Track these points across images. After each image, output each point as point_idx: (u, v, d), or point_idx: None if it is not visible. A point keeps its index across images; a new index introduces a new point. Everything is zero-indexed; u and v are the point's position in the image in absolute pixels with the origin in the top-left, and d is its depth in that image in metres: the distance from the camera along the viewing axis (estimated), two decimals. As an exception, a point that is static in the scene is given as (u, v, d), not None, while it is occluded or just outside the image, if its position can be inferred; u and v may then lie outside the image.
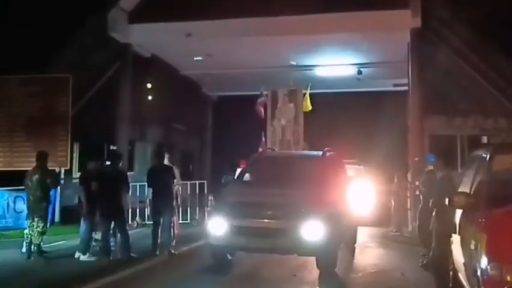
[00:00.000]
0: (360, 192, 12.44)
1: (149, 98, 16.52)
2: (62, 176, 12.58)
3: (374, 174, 14.18)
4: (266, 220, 7.28)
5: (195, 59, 15.34)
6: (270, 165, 9.07)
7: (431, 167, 8.59)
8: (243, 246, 7.50)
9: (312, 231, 7.06)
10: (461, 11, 12.98)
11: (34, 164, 9.09)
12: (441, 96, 13.15)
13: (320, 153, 8.98)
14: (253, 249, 7.52)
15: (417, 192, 9.63)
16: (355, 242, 9.83)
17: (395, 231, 12.42)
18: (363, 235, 11.22)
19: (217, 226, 7.52)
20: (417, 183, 10.11)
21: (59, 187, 11.30)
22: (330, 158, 9.02)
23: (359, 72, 16.28)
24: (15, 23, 12.75)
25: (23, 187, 9.47)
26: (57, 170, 11.74)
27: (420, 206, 9.12)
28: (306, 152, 9.62)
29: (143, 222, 12.25)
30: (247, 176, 9.00)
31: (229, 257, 8.22)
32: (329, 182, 8.07)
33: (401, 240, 11.50)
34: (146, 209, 12.07)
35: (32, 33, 13.75)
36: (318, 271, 7.62)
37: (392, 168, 13.97)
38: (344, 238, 8.51)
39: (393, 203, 12.92)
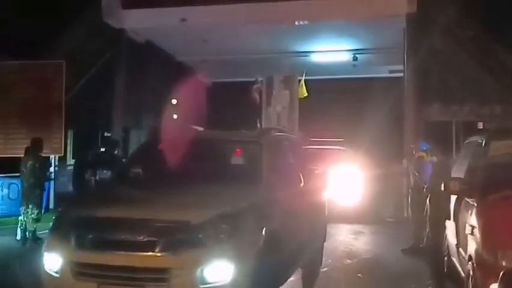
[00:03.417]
0: (345, 179, 12.04)
1: (144, 84, 16.43)
2: (57, 163, 12.54)
3: (364, 158, 14.13)
4: (137, 253, 4.36)
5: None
6: (174, 152, 5.73)
7: (422, 153, 8.62)
8: None
9: (217, 272, 4.35)
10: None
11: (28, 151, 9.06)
12: (437, 83, 13.12)
13: (256, 133, 6.48)
14: None
15: (411, 179, 9.63)
16: (320, 263, 7.33)
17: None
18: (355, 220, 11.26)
19: (50, 261, 4.65)
20: (410, 169, 10.14)
21: (52, 174, 11.27)
22: (274, 141, 6.16)
23: (355, 59, 16.22)
24: (7, 9, 12.60)
25: (16, 174, 9.45)
26: (51, 157, 11.72)
27: (411, 191, 9.17)
28: (238, 132, 6.61)
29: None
30: (135, 171, 6.06)
31: None
32: (262, 180, 5.29)
33: (396, 225, 11.54)
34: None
35: (25, 19, 13.61)
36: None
37: (386, 153, 14.00)
38: (289, 270, 5.72)
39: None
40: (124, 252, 4.40)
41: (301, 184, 6.10)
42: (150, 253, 4.36)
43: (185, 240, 4.39)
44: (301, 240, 6.11)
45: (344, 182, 11.95)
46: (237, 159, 5.87)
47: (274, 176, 5.41)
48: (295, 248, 5.72)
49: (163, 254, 4.35)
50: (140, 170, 6.02)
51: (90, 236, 4.51)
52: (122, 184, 5.75)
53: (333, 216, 10.42)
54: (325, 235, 7.65)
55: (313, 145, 14.25)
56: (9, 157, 11.61)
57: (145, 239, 4.38)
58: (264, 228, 4.76)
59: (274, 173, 5.43)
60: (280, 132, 6.94)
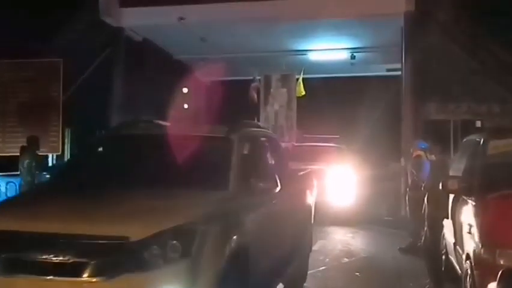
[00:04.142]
0: (340, 178, 11.72)
1: (142, 82, 16.42)
2: (55, 161, 12.52)
3: (361, 156, 14.07)
4: (60, 279, 3.47)
5: None
6: (126, 152, 5.21)
7: (419, 152, 8.62)
8: None
9: None
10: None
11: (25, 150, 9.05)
12: (435, 81, 13.12)
13: (225, 128, 5.16)
14: None
15: (409, 178, 9.64)
16: (305, 277, 6.63)
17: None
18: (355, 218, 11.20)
19: None
20: (408, 168, 10.15)
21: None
22: (247, 138, 5.27)
23: (353, 57, 16.21)
24: (4, 7, 12.56)
25: (15, 173, 9.44)
26: (50, 156, 11.70)
27: (409, 190, 9.17)
28: (203, 126, 5.73)
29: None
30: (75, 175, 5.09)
31: None
32: (230, 185, 4.50)
33: (394, 224, 11.55)
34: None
35: (23, 17, 13.57)
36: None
37: (383, 152, 14.01)
38: None
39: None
40: (42, 278, 3.42)
41: (278, 188, 5.12)
42: (77, 279, 3.40)
43: (123, 261, 3.45)
44: (280, 255, 5.41)
45: (339, 180, 11.74)
46: (199, 159, 4.69)
47: (246, 179, 4.58)
48: (271, 264, 5.03)
49: (94, 280, 3.40)
50: (82, 174, 5.03)
51: (1, 256, 3.52)
52: (54, 190, 4.69)
53: (328, 217, 10.44)
54: (311, 245, 6.95)
55: (307, 142, 14.18)
56: (7, 156, 11.59)
57: (71, 261, 3.44)
58: (229, 244, 3.92)
59: (245, 176, 4.60)
60: (255, 127, 6.06)
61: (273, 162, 6.03)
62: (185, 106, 17.66)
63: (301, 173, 6.97)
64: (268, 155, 5.89)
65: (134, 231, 3.54)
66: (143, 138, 5.27)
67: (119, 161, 5.16)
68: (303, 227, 6.44)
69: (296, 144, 14.62)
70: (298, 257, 6.17)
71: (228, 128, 5.13)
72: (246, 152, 5.12)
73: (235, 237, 4.04)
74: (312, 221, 6.92)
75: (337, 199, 11.41)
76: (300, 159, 11.35)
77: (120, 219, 3.70)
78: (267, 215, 4.97)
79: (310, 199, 6.85)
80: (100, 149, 5.45)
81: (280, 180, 5.33)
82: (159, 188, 4.33)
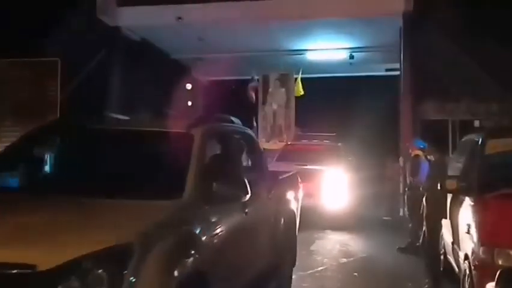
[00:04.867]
0: (336, 177, 11.07)
1: (139, 82, 16.41)
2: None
3: (359, 154, 13.88)
4: None
5: None
6: (64, 148, 4.64)
7: (417, 152, 8.59)
8: None
9: None
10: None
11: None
12: (433, 81, 13.10)
13: (186, 122, 4.41)
14: None
15: (407, 177, 9.61)
16: None
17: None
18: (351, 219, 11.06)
19: None
20: (407, 167, 10.14)
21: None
22: (213, 135, 4.56)
23: (351, 57, 16.19)
24: (0, 5, 12.52)
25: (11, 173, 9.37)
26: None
27: (408, 190, 9.16)
28: (158, 120, 5.15)
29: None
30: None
31: None
32: (185, 192, 3.68)
33: (392, 224, 11.53)
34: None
35: (19, 15, 13.53)
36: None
37: (382, 151, 13.98)
38: None
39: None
40: None
41: (248, 195, 4.03)
42: None
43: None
44: (253, 276, 4.71)
45: (335, 181, 11.16)
46: (150, 160, 4.02)
47: (208, 184, 3.76)
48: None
49: None
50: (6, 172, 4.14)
51: None
52: None
53: (324, 222, 10.21)
54: (295, 258, 6.20)
55: (301, 139, 13.76)
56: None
57: None
58: (180, 269, 3.16)
59: (207, 181, 3.78)
60: (225, 122, 4.99)
61: (248, 163, 5.43)
62: (189, 103, 17.55)
63: (285, 175, 6.23)
64: (243, 155, 5.34)
65: (43, 257, 2.67)
66: (85, 133, 4.35)
67: (55, 159, 4.33)
68: (284, 238, 5.55)
69: (289, 142, 14.17)
70: (278, 275, 5.40)
71: (188, 122, 4.33)
72: (212, 151, 4.40)
73: (188, 259, 3.27)
74: (297, 230, 6.23)
75: (332, 201, 10.86)
76: (293, 159, 11.24)
77: (25, 240, 2.78)
78: (233, 229, 4.13)
79: (294, 205, 6.07)
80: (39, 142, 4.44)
81: (256, 185, 4.46)
82: (93, 195, 3.40)
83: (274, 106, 16.27)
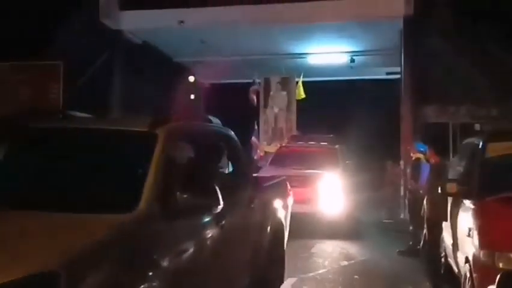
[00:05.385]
0: (331, 185, 10.23)
1: (141, 85, 16.44)
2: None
3: (358, 158, 13.54)
4: None
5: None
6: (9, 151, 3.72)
7: (418, 155, 8.61)
8: None
9: None
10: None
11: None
12: (434, 84, 13.15)
13: (149, 120, 3.66)
14: None
15: (408, 181, 9.63)
16: None
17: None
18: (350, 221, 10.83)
19: None
20: (408, 170, 10.16)
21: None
22: (182, 135, 3.92)
23: (352, 61, 16.24)
24: (3, 8, 12.57)
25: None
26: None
27: (408, 193, 9.19)
28: (116, 118, 4.39)
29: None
30: None
31: None
32: (142, 203, 3.10)
33: (393, 227, 11.54)
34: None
35: (21, 19, 13.58)
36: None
37: (383, 154, 13.98)
38: None
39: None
40: None
41: (220, 206, 3.46)
42: None
43: None
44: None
45: (332, 186, 10.37)
46: (103, 164, 3.38)
47: (170, 194, 3.19)
48: None
49: None
50: None
51: None
52: None
53: (322, 228, 9.73)
54: (282, 275, 5.58)
55: (296, 141, 12.97)
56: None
57: None
58: None
59: (170, 190, 3.21)
60: (197, 119, 4.51)
61: (228, 168, 4.89)
62: (192, 96, 17.49)
63: (272, 181, 5.70)
64: (223, 159, 4.70)
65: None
66: (27, 133, 3.66)
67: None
68: (270, 252, 4.94)
69: (283, 145, 13.40)
70: None
71: (152, 120, 3.61)
72: (183, 154, 3.78)
73: (142, 283, 2.72)
74: (286, 242, 5.64)
75: (329, 207, 10.10)
76: (287, 163, 10.78)
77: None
78: (204, 245, 3.56)
79: (282, 214, 5.46)
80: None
81: (236, 193, 4.16)
82: (25, 207, 2.87)
83: (276, 109, 16.32)
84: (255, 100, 16.32)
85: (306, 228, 9.16)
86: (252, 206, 4.68)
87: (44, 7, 13.56)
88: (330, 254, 8.48)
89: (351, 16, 13.09)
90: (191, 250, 3.35)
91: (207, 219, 3.62)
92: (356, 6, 12.79)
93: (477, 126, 12.89)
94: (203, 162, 3.96)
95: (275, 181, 5.88)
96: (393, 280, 7.17)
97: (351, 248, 9.30)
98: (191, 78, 16.66)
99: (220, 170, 4.72)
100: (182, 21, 13.32)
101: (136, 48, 15.02)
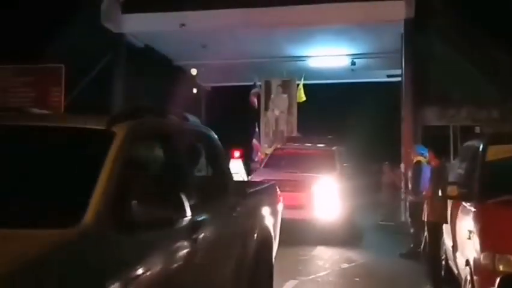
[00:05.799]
0: (329, 189, 9.77)
1: (143, 88, 16.48)
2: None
3: (358, 160, 13.39)
4: None
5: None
6: None
7: (419, 158, 8.63)
8: None
9: None
10: (455, 1, 12.98)
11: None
12: (434, 87, 13.18)
13: (107, 117, 3.11)
14: None
15: (409, 183, 9.64)
16: None
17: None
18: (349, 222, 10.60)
19: None
20: (409, 174, 10.16)
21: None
22: (146, 134, 3.37)
23: (353, 63, 16.27)
24: (4, 11, 12.62)
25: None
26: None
27: (409, 195, 9.19)
28: (65, 115, 4.08)
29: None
30: None
31: None
32: (88, 214, 2.51)
33: (393, 230, 11.55)
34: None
35: (24, 22, 13.63)
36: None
37: (383, 157, 13.98)
38: None
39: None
40: None
41: (187, 218, 2.98)
42: None
43: None
44: None
45: (329, 188, 9.85)
46: (40, 170, 2.85)
47: (126, 205, 2.63)
48: None
49: None
50: None
51: None
52: None
53: (318, 235, 9.35)
54: None
55: (292, 142, 12.54)
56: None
57: None
58: None
59: (126, 200, 2.64)
60: (169, 117, 3.78)
61: (207, 172, 4.39)
62: (185, 110, 17.58)
63: (258, 187, 5.24)
64: (201, 162, 4.25)
65: None
66: None
67: None
68: (255, 266, 4.37)
69: (278, 146, 12.78)
70: None
71: (111, 117, 3.10)
72: (144, 155, 3.34)
73: None
74: (274, 254, 5.10)
75: (326, 213, 9.58)
76: (282, 166, 10.48)
77: None
78: (170, 264, 3.03)
79: (270, 222, 4.93)
80: None
81: (215, 200, 3.77)
82: None
83: (277, 112, 16.35)
84: (256, 103, 16.35)
85: (302, 235, 9.12)
86: (234, 214, 4.13)
87: (46, 10, 13.61)
88: (330, 256, 8.49)
89: (352, 19, 13.12)
90: (152, 270, 2.78)
91: (174, 233, 3.03)
92: (357, 10, 12.81)
93: (477, 129, 12.99)
94: (173, 166, 3.49)
95: (262, 186, 5.43)
96: (393, 282, 7.18)
97: (351, 250, 9.30)
98: (193, 71, 16.66)
99: (198, 174, 4.22)
100: (183, 25, 13.36)
101: (138, 51, 15.06)
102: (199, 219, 3.31)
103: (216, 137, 4.42)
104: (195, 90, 17.96)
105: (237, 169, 14.01)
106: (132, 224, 2.63)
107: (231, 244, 4.07)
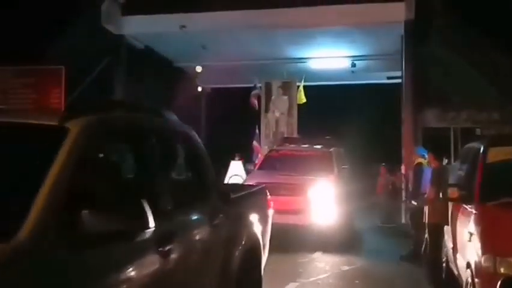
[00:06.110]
0: (323, 193, 9.30)
1: (143, 89, 16.49)
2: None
3: (358, 162, 13.31)
4: None
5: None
6: None
7: (419, 160, 8.63)
8: None
9: None
10: (455, 3, 12.99)
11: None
12: (435, 89, 13.18)
13: (62, 113, 2.68)
14: None
15: (410, 184, 9.64)
16: None
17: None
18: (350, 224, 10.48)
19: None
20: (409, 175, 10.17)
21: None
22: (107, 131, 2.86)
23: (353, 65, 16.26)
24: (5, 12, 12.63)
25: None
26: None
27: (410, 197, 9.19)
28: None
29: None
30: None
31: None
32: (26, 227, 2.08)
33: (394, 232, 11.55)
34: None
35: (24, 23, 13.64)
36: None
37: (383, 159, 13.99)
38: None
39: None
40: None
41: (150, 229, 2.61)
42: None
43: None
44: None
45: (326, 192, 9.42)
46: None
47: (74, 215, 2.25)
48: None
49: None
50: None
51: None
52: None
53: (315, 241, 9.04)
54: None
55: (289, 143, 12.21)
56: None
57: None
58: None
59: (74, 209, 2.26)
60: (137, 111, 3.35)
61: (186, 175, 4.00)
62: (185, 112, 17.60)
63: (244, 191, 4.84)
64: (178, 164, 3.87)
65: None
66: None
67: None
68: (240, 279, 3.92)
69: (275, 147, 12.36)
70: None
71: (66, 112, 2.74)
72: (104, 156, 2.90)
73: None
74: (263, 264, 4.66)
75: (322, 218, 9.15)
76: (277, 168, 10.19)
77: None
78: (130, 282, 2.62)
79: (259, 230, 4.51)
80: None
81: (193, 207, 3.48)
82: None
83: (277, 114, 16.34)
84: (257, 104, 16.35)
85: (300, 240, 9.09)
86: (215, 222, 3.69)
87: (47, 11, 13.62)
88: (331, 259, 8.47)
89: (353, 21, 13.13)
90: None
91: (135, 247, 2.65)
92: (357, 11, 12.82)
93: (478, 131, 13.00)
94: (142, 169, 3.15)
95: (250, 190, 5.02)
96: (394, 285, 7.17)
97: (351, 253, 9.27)
98: (198, 69, 16.64)
99: (177, 177, 3.86)
100: (184, 26, 13.36)
101: (138, 52, 15.07)
102: (169, 229, 2.94)
103: (197, 136, 4.00)
104: (199, 89, 17.95)
105: (237, 171, 14.03)
106: (82, 239, 2.23)
107: (210, 255, 3.62)
